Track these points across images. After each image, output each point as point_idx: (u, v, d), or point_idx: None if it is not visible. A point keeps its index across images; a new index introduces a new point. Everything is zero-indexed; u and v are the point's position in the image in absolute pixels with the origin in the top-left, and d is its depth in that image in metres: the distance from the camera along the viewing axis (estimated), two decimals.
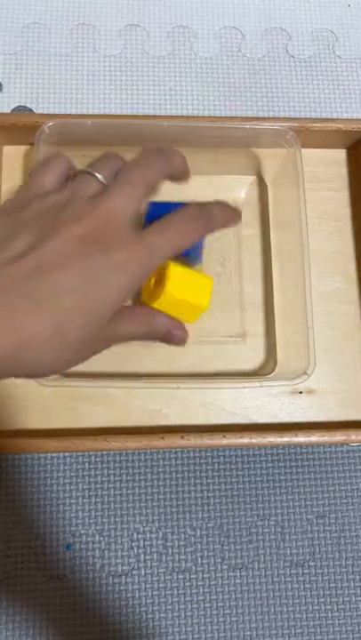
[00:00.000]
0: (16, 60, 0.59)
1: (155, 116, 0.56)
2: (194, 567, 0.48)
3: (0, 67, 0.59)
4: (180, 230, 0.32)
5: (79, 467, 0.50)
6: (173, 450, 0.50)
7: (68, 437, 0.46)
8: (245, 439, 0.46)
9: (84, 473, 0.49)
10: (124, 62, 0.60)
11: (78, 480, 0.49)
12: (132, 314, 0.34)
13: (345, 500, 0.50)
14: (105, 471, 0.50)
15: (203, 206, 0.34)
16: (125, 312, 0.33)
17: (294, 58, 0.61)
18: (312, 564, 0.49)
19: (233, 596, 0.48)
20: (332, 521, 0.50)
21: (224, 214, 0.36)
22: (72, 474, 0.49)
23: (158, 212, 0.46)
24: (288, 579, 0.48)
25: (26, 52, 0.59)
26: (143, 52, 0.60)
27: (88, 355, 0.31)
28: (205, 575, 0.48)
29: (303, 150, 0.54)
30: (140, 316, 0.34)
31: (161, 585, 0.47)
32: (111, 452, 0.50)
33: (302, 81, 0.60)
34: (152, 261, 0.30)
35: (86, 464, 0.50)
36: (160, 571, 0.48)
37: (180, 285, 0.42)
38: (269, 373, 0.51)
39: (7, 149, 0.55)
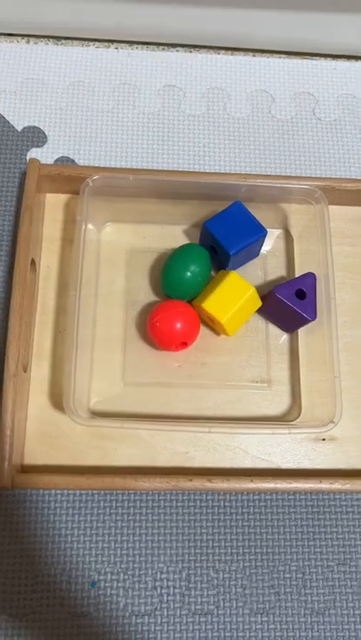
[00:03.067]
0: (61, 115, 0.63)
1: (190, 172, 0.60)
2: (216, 610, 0.48)
3: (46, 120, 0.63)
4: None
5: (106, 504, 0.51)
6: (199, 492, 0.51)
7: (98, 475, 0.47)
8: (271, 484, 0.48)
9: (112, 511, 0.51)
10: (162, 119, 0.64)
11: (105, 517, 0.50)
12: None
13: None
14: (131, 510, 0.51)
15: None
16: None
17: (321, 120, 0.65)
18: (333, 611, 0.49)
19: None
20: (353, 569, 0.50)
21: None
22: (100, 511, 0.50)
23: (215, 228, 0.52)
24: (308, 626, 0.49)
25: (70, 107, 0.63)
26: (179, 111, 0.64)
27: None
28: (227, 619, 0.48)
29: (330, 207, 0.57)
30: None
31: (183, 627, 0.48)
32: (138, 492, 0.51)
33: (328, 142, 0.64)
34: None
35: (113, 502, 0.51)
36: (182, 612, 0.48)
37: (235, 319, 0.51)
38: (293, 420, 0.53)
39: (50, 197, 0.58)
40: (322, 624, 0.49)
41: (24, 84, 0.64)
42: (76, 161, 0.61)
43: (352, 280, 0.58)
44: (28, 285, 0.52)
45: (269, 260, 0.59)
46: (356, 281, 0.58)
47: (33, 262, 0.54)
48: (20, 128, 0.62)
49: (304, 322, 0.52)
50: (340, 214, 0.60)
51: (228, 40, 0.67)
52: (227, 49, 0.68)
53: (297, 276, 0.55)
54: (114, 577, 0.49)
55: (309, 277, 0.53)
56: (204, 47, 0.68)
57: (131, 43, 0.67)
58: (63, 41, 0.67)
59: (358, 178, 0.62)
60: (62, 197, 0.59)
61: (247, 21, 0.64)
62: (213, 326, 0.55)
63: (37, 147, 0.62)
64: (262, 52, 0.68)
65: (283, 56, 0.68)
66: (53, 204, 0.58)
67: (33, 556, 0.49)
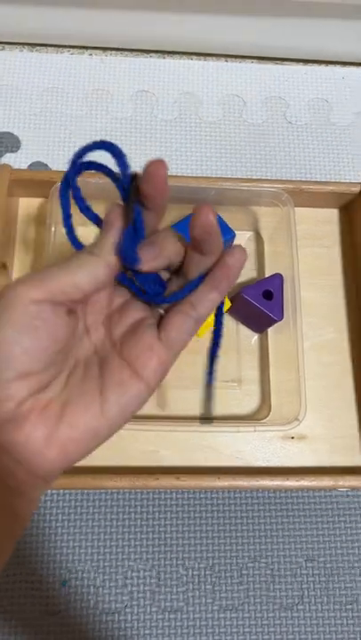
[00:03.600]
0: (35, 121, 0.64)
1: None
2: (185, 607, 0.49)
3: (20, 125, 0.64)
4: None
5: (77, 504, 0.51)
6: (169, 490, 0.52)
7: (67, 475, 0.48)
8: (238, 482, 0.48)
9: (82, 510, 0.51)
10: (135, 125, 0.65)
11: (76, 517, 0.51)
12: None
13: (334, 545, 0.52)
14: (102, 509, 0.51)
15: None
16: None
17: (292, 124, 0.66)
18: (301, 607, 0.50)
19: (223, 638, 0.49)
20: (321, 565, 0.51)
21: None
22: (70, 511, 0.51)
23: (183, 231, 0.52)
24: (277, 621, 0.49)
25: (44, 113, 0.64)
26: (152, 116, 0.65)
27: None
28: (196, 615, 0.49)
29: (298, 209, 0.58)
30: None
31: (153, 624, 0.49)
32: (109, 491, 0.52)
33: (299, 145, 0.65)
34: None
35: (84, 502, 0.52)
36: (152, 609, 0.49)
37: None
38: (263, 418, 0.54)
39: (23, 201, 0.59)
40: (290, 619, 0.50)
41: None
42: (50, 166, 0.62)
43: (321, 281, 0.59)
44: (0, 288, 0.52)
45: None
46: (324, 282, 0.59)
47: (5, 265, 0.55)
48: None
49: (271, 322, 0.53)
50: (311, 216, 0.61)
51: (201, 46, 0.68)
52: (199, 54, 0.69)
53: (266, 276, 0.56)
54: (85, 575, 0.50)
55: (277, 278, 0.54)
56: (177, 53, 0.69)
57: (104, 49, 0.68)
58: (38, 47, 0.68)
59: (326, 180, 0.63)
60: (35, 201, 0.59)
61: (219, 27, 0.65)
62: None
63: (11, 152, 0.63)
64: (234, 57, 0.69)
65: (254, 61, 0.69)
66: (26, 207, 0.59)
67: None
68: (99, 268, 0.28)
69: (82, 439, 0.27)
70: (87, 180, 0.54)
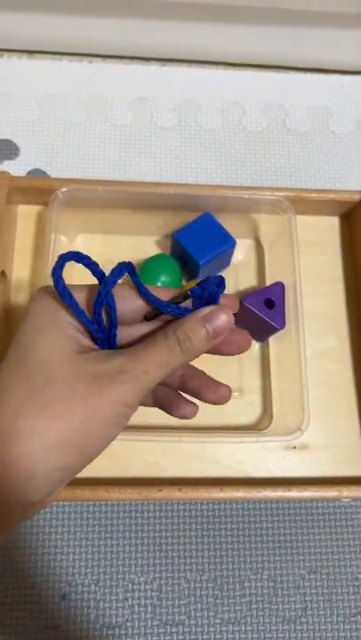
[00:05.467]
0: (34, 128, 0.63)
1: (161, 184, 0.60)
2: (187, 620, 0.48)
3: (19, 133, 0.63)
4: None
5: (77, 516, 0.51)
6: (170, 502, 0.51)
7: (68, 487, 0.47)
8: (241, 493, 0.48)
9: (82, 522, 0.50)
10: (134, 132, 0.64)
11: (76, 529, 0.50)
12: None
13: (337, 557, 0.51)
14: (102, 521, 0.51)
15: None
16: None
17: (291, 132, 0.66)
18: (304, 620, 0.49)
19: None
20: (324, 577, 0.51)
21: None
22: (70, 522, 0.50)
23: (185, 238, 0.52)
24: (280, 634, 0.49)
25: (43, 120, 0.64)
26: (151, 123, 0.65)
27: None
28: (198, 629, 0.48)
29: (299, 217, 0.57)
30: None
31: (154, 638, 0.48)
32: (109, 503, 0.51)
33: (299, 153, 0.65)
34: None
35: (85, 513, 0.51)
36: (154, 623, 0.48)
37: None
38: (265, 428, 0.53)
39: (22, 209, 0.59)
40: (293, 632, 0.49)
41: None
42: (49, 173, 0.62)
43: (322, 289, 0.59)
44: None
45: (241, 270, 0.59)
46: (325, 289, 0.59)
47: (4, 273, 0.54)
48: None
49: (273, 331, 0.53)
50: (311, 224, 0.61)
51: (200, 53, 0.68)
52: (198, 62, 0.69)
53: (267, 285, 0.56)
54: (85, 589, 0.49)
55: (278, 287, 0.53)
56: (176, 60, 0.69)
57: (103, 56, 0.68)
58: (36, 55, 0.68)
59: (327, 188, 0.62)
60: (34, 209, 0.59)
61: (218, 35, 0.65)
62: None
63: (10, 159, 0.62)
64: (234, 65, 0.69)
65: (254, 69, 0.69)
66: (25, 215, 0.59)
67: (3, 569, 0.49)
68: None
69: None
70: (94, 188, 0.53)
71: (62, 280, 0.29)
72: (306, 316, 0.55)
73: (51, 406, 0.26)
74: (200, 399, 0.34)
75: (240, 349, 0.33)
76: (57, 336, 0.29)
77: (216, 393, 0.33)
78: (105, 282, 0.29)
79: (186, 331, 0.30)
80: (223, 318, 0.30)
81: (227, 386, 0.34)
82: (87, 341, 0.30)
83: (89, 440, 0.27)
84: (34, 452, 0.25)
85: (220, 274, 0.55)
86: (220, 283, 0.31)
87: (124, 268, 0.30)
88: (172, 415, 0.35)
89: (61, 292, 0.28)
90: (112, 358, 0.29)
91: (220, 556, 0.50)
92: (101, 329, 0.30)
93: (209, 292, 0.31)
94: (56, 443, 0.26)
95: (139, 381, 0.28)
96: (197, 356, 0.30)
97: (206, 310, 0.30)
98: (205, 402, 0.34)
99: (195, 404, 0.35)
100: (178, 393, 0.35)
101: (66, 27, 0.64)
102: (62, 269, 0.29)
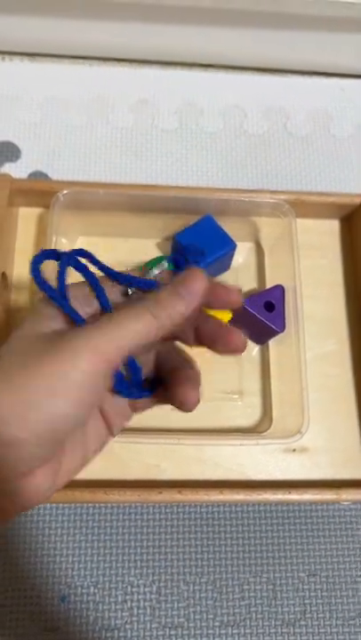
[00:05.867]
0: (35, 130, 0.64)
1: (161, 187, 0.60)
2: (186, 623, 0.48)
3: (20, 135, 0.63)
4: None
5: (77, 518, 0.51)
6: (170, 504, 0.51)
7: (67, 489, 0.47)
8: (241, 495, 0.48)
9: (82, 524, 0.51)
10: (135, 134, 0.64)
11: (75, 531, 0.50)
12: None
13: (336, 559, 0.51)
14: (102, 523, 0.51)
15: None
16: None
17: (292, 135, 0.66)
18: (303, 623, 0.49)
19: None
20: (323, 579, 0.51)
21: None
22: (70, 525, 0.50)
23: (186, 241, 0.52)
24: (279, 637, 0.49)
25: (44, 122, 0.64)
26: (153, 126, 0.65)
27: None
28: (197, 632, 0.48)
29: (300, 220, 0.58)
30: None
31: None
32: (109, 505, 0.51)
33: (299, 156, 0.65)
34: None
35: (84, 515, 0.51)
36: (153, 626, 0.48)
37: None
38: (265, 431, 0.53)
39: (23, 211, 0.59)
40: (292, 635, 0.49)
41: None
42: (50, 175, 0.62)
43: (322, 292, 0.59)
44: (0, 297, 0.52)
45: (241, 273, 0.59)
46: (326, 292, 0.59)
47: (4, 275, 0.54)
48: None
49: (273, 333, 0.53)
50: (312, 227, 0.61)
51: (202, 57, 0.68)
52: (200, 65, 0.69)
53: (268, 288, 0.56)
54: (84, 591, 0.49)
55: (278, 290, 0.53)
56: (178, 63, 0.69)
57: (105, 59, 0.68)
58: (38, 57, 0.68)
59: (327, 191, 0.62)
60: (35, 211, 0.59)
61: (220, 39, 0.65)
62: None
63: (11, 161, 0.62)
64: (235, 68, 0.69)
65: (255, 72, 0.69)
66: (26, 217, 0.59)
67: (3, 571, 0.49)
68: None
69: (67, 481, 0.30)
70: (95, 191, 0.53)
71: (39, 272, 0.29)
72: (306, 319, 0.55)
73: (15, 376, 0.25)
74: (214, 350, 0.32)
75: (236, 348, 0.31)
76: (37, 329, 0.28)
77: (229, 345, 0.31)
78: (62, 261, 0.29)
79: (153, 296, 0.28)
80: (197, 280, 0.28)
81: (243, 336, 0.31)
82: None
83: (38, 411, 0.25)
84: (10, 417, 0.25)
85: (222, 277, 0.55)
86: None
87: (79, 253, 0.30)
88: (218, 351, 0.31)
89: (37, 280, 0.28)
90: (77, 329, 0.27)
91: (219, 559, 0.50)
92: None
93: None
94: (23, 410, 0.25)
95: (98, 344, 0.26)
96: (173, 322, 0.28)
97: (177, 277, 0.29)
98: (219, 353, 0.32)
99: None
100: (225, 326, 0.32)
101: (67, 29, 0.65)
102: (41, 263, 0.29)
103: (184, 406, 0.32)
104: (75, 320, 0.28)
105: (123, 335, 0.26)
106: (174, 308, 0.28)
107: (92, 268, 0.31)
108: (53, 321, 0.28)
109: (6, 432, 0.25)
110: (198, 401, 0.32)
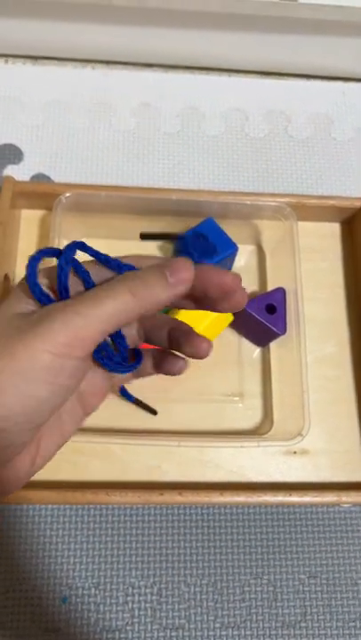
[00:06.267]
0: (37, 133, 0.64)
1: (163, 189, 0.60)
2: (187, 624, 0.49)
3: (23, 138, 0.64)
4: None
5: (78, 519, 0.51)
6: (171, 506, 0.52)
7: (69, 490, 0.48)
8: (241, 497, 0.48)
9: (83, 525, 0.51)
10: (137, 137, 0.65)
11: (77, 532, 0.50)
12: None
13: (336, 561, 0.51)
14: (103, 524, 0.51)
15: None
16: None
17: (293, 138, 0.67)
18: (304, 624, 0.49)
19: None
20: (324, 581, 0.51)
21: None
22: (71, 526, 0.51)
23: (187, 243, 0.52)
24: (280, 639, 0.49)
25: (47, 125, 0.64)
26: (155, 129, 0.65)
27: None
28: (198, 633, 0.48)
29: (301, 223, 0.58)
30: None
31: None
32: (110, 506, 0.51)
33: (300, 159, 0.65)
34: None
35: (85, 517, 0.51)
36: (154, 627, 0.48)
37: None
38: (266, 433, 0.54)
39: (25, 213, 0.59)
40: (293, 637, 0.49)
41: (1, 103, 0.65)
42: (52, 178, 0.62)
43: (323, 294, 0.60)
44: (2, 299, 0.52)
45: (243, 275, 0.59)
46: (326, 295, 0.60)
47: (7, 277, 0.54)
48: None
49: (274, 336, 0.53)
50: (312, 230, 0.61)
51: (203, 60, 0.69)
52: (202, 69, 0.69)
53: (269, 290, 0.56)
54: (85, 592, 0.49)
55: (279, 292, 0.54)
56: (180, 67, 0.69)
57: (107, 62, 0.69)
58: (40, 60, 0.68)
59: (328, 195, 0.63)
60: (38, 213, 0.59)
61: (221, 43, 0.66)
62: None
63: (14, 164, 0.63)
64: (236, 71, 0.70)
65: (256, 76, 0.70)
66: (29, 219, 0.59)
67: (4, 572, 0.49)
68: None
69: (44, 465, 0.29)
70: (97, 194, 0.54)
71: (34, 269, 0.27)
72: (307, 321, 0.55)
73: None
74: (181, 352, 0.31)
75: (202, 353, 0.30)
76: (13, 309, 0.26)
77: (196, 347, 0.30)
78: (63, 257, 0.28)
79: (132, 273, 0.27)
80: (183, 260, 0.27)
81: (208, 341, 0.30)
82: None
83: (10, 395, 0.24)
84: None
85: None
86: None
87: (76, 245, 0.29)
88: (185, 354, 0.31)
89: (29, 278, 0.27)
90: (42, 308, 0.26)
91: (220, 560, 0.50)
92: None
93: None
94: (4, 389, 0.23)
95: (69, 323, 0.24)
96: (155, 301, 0.26)
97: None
98: (186, 355, 0.31)
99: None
100: (195, 333, 0.31)
101: (70, 33, 0.65)
102: (39, 261, 0.28)
103: (198, 353, 0.30)
104: (43, 302, 0.26)
105: (98, 314, 0.25)
106: (155, 288, 0.26)
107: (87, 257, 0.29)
108: (30, 303, 0.27)
109: None
110: (210, 345, 0.30)
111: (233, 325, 0.56)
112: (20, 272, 0.57)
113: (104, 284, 0.26)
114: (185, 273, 0.27)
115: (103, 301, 0.25)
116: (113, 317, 0.25)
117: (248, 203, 0.55)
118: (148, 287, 0.26)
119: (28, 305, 0.27)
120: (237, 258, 0.57)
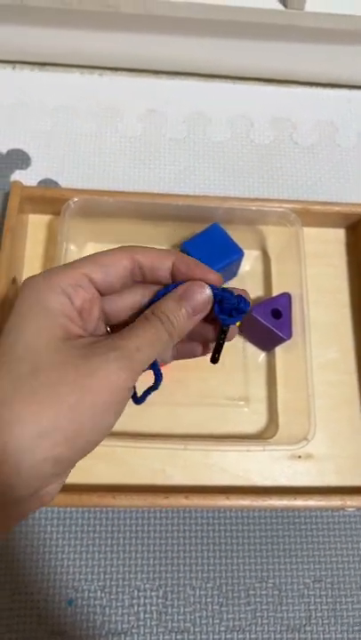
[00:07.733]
0: (45, 138, 0.65)
1: (169, 195, 0.61)
2: (192, 627, 0.49)
3: (31, 143, 0.64)
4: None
5: (84, 522, 0.51)
6: (176, 509, 0.52)
7: (75, 493, 0.48)
8: (247, 501, 0.48)
9: (89, 528, 0.51)
10: (144, 143, 0.65)
11: (83, 535, 0.51)
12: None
13: (341, 566, 0.51)
14: (109, 527, 0.51)
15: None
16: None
17: (298, 145, 0.67)
18: (308, 628, 0.50)
19: None
20: (329, 586, 0.51)
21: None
22: (77, 529, 0.51)
23: (193, 248, 0.53)
24: None
25: (54, 131, 0.65)
26: (161, 135, 0.66)
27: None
28: (203, 636, 0.49)
29: (306, 229, 0.58)
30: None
31: None
32: (116, 509, 0.52)
33: (305, 166, 0.66)
34: None
35: (91, 520, 0.51)
36: (159, 630, 0.48)
37: None
38: (271, 437, 0.54)
39: (32, 218, 0.60)
40: None
41: (9, 108, 0.66)
42: (60, 183, 0.63)
43: (327, 300, 0.60)
44: (9, 303, 0.52)
45: (248, 281, 0.60)
46: (330, 300, 0.60)
47: (14, 281, 0.55)
48: (4, 151, 0.64)
49: (280, 341, 0.53)
50: (317, 236, 0.62)
51: (209, 67, 0.69)
52: (208, 76, 0.70)
53: (274, 295, 0.56)
54: (91, 595, 0.49)
55: (285, 297, 0.54)
56: (186, 74, 0.70)
57: (114, 69, 0.69)
58: (48, 67, 0.69)
59: (333, 201, 0.63)
60: (45, 218, 0.60)
61: (227, 50, 0.66)
62: None
63: (21, 169, 0.63)
64: (242, 79, 0.70)
65: (262, 83, 0.70)
66: (36, 224, 0.60)
67: (9, 574, 0.49)
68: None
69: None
70: (104, 199, 0.54)
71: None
72: (311, 326, 0.55)
73: (37, 393, 0.25)
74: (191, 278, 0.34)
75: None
76: (43, 322, 0.27)
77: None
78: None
79: (165, 312, 0.30)
80: (200, 294, 0.31)
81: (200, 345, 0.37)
82: (76, 329, 0.29)
83: (80, 428, 0.26)
84: (20, 442, 0.24)
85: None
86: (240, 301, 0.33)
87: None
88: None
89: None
90: (101, 340, 0.28)
91: (225, 564, 0.51)
92: None
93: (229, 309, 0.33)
94: (44, 431, 0.24)
95: (132, 359, 0.27)
96: (184, 334, 0.31)
97: (181, 289, 0.31)
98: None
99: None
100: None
101: (77, 39, 0.66)
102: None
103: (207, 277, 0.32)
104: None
105: (147, 358, 0.29)
106: (185, 327, 0.31)
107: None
108: (68, 322, 0.28)
109: (13, 456, 0.24)
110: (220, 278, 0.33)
111: (239, 330, 0.57)
112: (27, 276, 0.57)
113: (140, 318, 0.31)
114: (203, 306, 0.31)
115: (151, 348, 0.29)
116: (156, 349, 0.30)
117: (253, 208, 0.56)
118: (178, 328, 0.31)
119: (64, 325, 0.28)
120: (243, 263, 0.58)
